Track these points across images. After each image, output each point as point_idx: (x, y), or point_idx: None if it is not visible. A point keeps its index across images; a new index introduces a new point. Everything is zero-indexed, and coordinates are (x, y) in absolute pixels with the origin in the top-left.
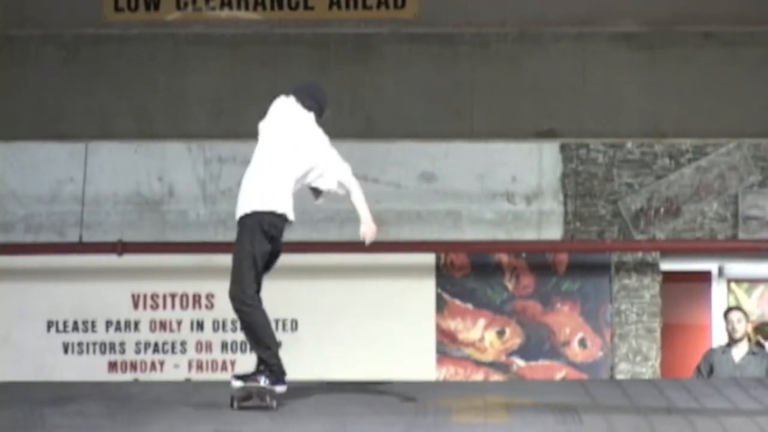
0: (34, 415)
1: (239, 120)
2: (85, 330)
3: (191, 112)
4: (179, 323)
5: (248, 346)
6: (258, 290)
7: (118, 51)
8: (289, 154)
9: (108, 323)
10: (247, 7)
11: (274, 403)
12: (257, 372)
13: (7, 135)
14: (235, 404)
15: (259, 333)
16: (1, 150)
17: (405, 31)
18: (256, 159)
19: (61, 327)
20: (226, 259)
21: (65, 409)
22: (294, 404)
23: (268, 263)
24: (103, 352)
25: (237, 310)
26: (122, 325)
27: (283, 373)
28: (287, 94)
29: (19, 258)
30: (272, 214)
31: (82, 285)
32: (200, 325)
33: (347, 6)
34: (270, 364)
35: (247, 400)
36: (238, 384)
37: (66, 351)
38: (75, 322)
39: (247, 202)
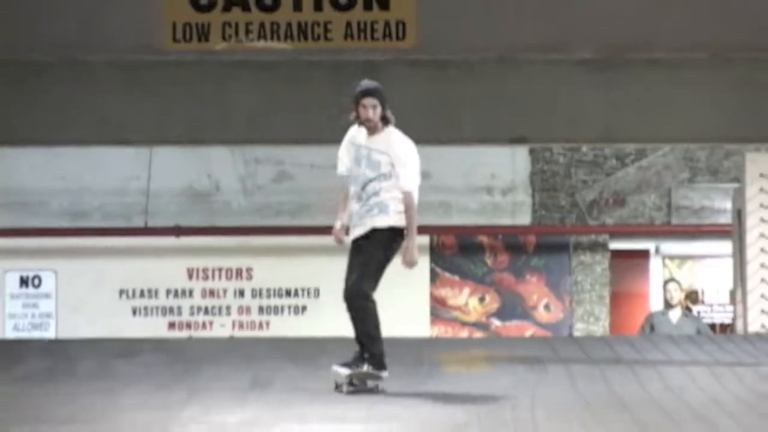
0: (107, 366)
1: (271, 129)
2: (150, 297)
3: (233, 123)
4: (225, 291)
5: (357, 335)
6: None
7: (174, 73)
8: None
9: (168, 291)
10: (278, 39)
11: (378, 387)
12: (360, 359)
13: (84, 141)
14: (345, 389)
15: (374, 324)
16: (79, 153)
17: (405, 58)
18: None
19: (130, 294)
20: (261, 241)
21: (133, 361)
22: (316, 356)
23: None
24: (163, 315)
25: (361, 302)
26: (179, 292)
27: (384, 361)
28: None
29: (96, 239)
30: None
31: (147, 261)
32: (241, 293)
33: (359, 37)
34: (375, 353)
35: (355, 384)
36: (345, 371)
37: (134, 314)
38: (141, 291)
39: (399, 218)
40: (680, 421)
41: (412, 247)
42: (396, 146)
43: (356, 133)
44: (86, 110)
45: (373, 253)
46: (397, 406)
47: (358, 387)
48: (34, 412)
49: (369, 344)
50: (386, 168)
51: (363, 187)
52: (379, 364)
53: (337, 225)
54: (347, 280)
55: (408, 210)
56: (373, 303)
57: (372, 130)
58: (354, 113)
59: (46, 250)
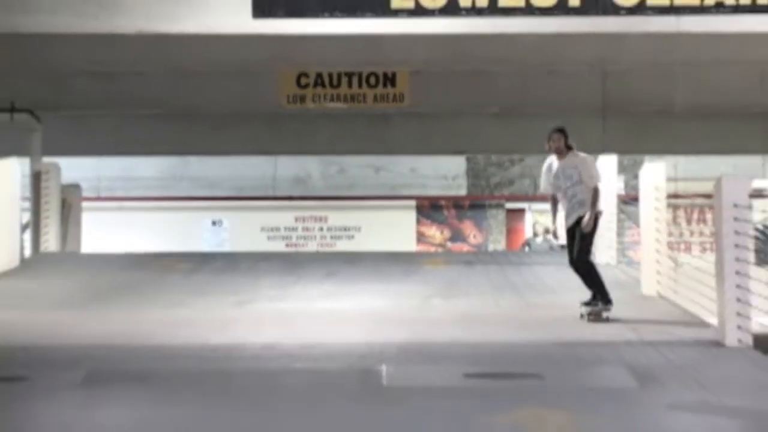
0: (255, 265)
1: (336, 146)
2: (276, 231)
3: (318, 143)
4: (313, 228)
5: (589, 285)
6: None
7: (288, 119)
8: None
9: (285, 228)
10: (340, 101)
11: (608, 316)
12: (595, 299)
13: (243, 152)
14: (586, 318)
15: (597, 276)
16: (240, 159)
17: (403, 111)
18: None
19: (266, 229)
20: (331, 203)
21: (268, 263)
22: (359, 260)
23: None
24: (283, 240)
25: (587, 264)
26: (290, 228)
27: (609, 297)
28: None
29: (248, 202)
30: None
31: (274, 213)
32: (321, 229)
33: (381, 101)
34: (603, 294)
35: (595, 315)
36: (587, 309)
37: (268, 239)
38: (271, 227)
39: (590, 206)
40: (541, 290)
41: (590, 217)
42: (580, 161)
43: (551, 161)
44: (246, 137)
45: (584, 233)
46: (400, 285)
47: (596, 318)
48: (213, 287)
49: (598, 289)
50: (577, 177)
51: (565, 193)
52: (606, 300)
53: (559, 231)
54: (570, 253)
55: (594, 196)
56: (592, 263)
57: (561, 156)
58: (547, 145)
59: (224, 207)
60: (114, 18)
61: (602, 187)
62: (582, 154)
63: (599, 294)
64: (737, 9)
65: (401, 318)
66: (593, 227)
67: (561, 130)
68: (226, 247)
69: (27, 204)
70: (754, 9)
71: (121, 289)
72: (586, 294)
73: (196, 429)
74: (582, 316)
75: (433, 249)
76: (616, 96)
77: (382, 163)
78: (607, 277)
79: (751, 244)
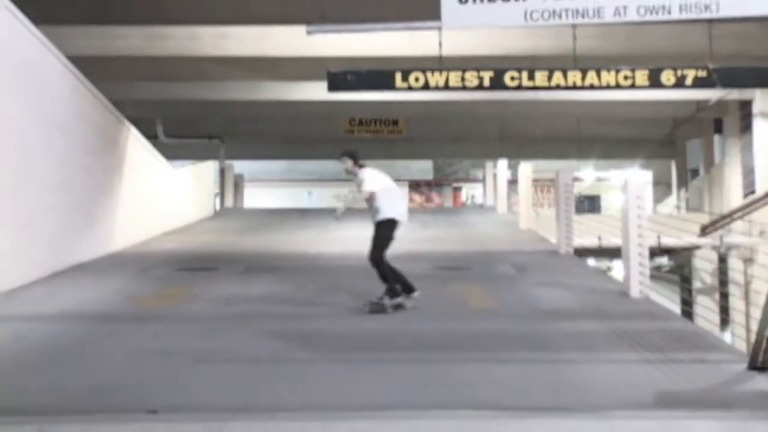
0: (328, 215)
1: (369, 154)
2: (340, 197)
3: (359, 153)
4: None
5: (380, 278)
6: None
7: (346, 141)
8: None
9: (342, 195)
10: (369, 133)
11: (390, 310)
12: (384, 295)
13: (322, 158)
14: (367, 309)
15: (387, 274)
16: (323, 162)
17: (401, 138)
18: (382, 191)
19: (336, 196)
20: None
21: (334, 213)
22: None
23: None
24: (343, 202)
25: (375, 263)
26: (342, 195)
27: (396, 293)
28: (356, 162)
29: (323, 182)
30: (395, 220)
31: (339, 188)
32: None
33: (390, 133)
34: (390, 289)
35: (375, 307)
36: (372, 300)
37: (336, 201)
38: (338, 195)
39: (384, 214)
40: (470, 225)
41: (342, 208)
42: (360, 178)
43: None
44: (324, 150)
45: (376, 237)
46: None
47: (376, 309)
48: (308, 224)
49: (389, 283)
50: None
51: (365, 202)
52: (393, 294)
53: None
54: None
55: (361, 195)
56: (384, 261)
57: (352, 174)
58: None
59: (314, 185)
60: (259, 92)
61: (372, 195)
62: (363, 172)
63: (387, 287)
64: (566, 88)
65: (400, 239)
66: (386, 233)
67: (345, 154)
68: (315, 206)
69: (217, 183)
70: (572, 88)
71: (263, 225)
72: (497, 232)
73: (300, 292)
74: (369, 308)
75: (416, 207)
76: (507, 131)
77: (391, 164)
78: (501, 219)
79: (573, 204)
